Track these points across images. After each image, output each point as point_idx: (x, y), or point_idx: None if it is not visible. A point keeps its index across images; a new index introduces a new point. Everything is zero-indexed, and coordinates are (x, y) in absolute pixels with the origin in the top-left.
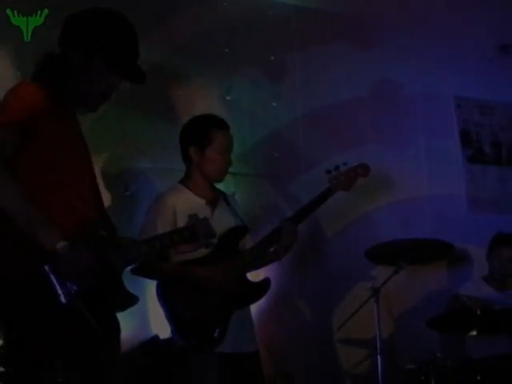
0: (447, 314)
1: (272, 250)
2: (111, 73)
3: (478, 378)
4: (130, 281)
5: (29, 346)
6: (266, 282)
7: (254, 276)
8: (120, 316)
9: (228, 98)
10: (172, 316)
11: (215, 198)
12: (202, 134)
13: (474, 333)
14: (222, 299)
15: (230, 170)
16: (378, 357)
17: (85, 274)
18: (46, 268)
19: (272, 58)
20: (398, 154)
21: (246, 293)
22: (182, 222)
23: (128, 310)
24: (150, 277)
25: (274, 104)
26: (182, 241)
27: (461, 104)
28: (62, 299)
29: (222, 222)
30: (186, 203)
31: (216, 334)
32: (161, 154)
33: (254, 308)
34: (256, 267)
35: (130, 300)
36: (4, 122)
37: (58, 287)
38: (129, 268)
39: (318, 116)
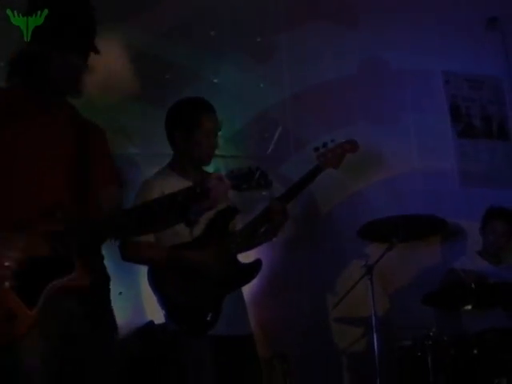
0: (442, 289)
1: (263, 230)
2: (68, 55)
3: (475, 352)
4: (124, 267)
5: None
6: (257, 263)
7: (245, 258)
8: (114, 302)
9: (215, 80)
10: (164, 301)
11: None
12: (187, 117)
13: (469, 307)
14: (213, 282)
15: (220, 152)
16: (374, 334)
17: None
18: None
19: (258, 39)
20: (388, 131)
21: (237, 275)
22: None
23: (123, 296)
24: (141, 262)
25: (261, 85)
26: (187, 200)
27: (449, 79)
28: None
29: None
30: (173, 186)
31: (209, 318)
32: (149, 139)
33: (248, 290)
34: (247, 248)
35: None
36: None
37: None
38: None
39: (306, 96)
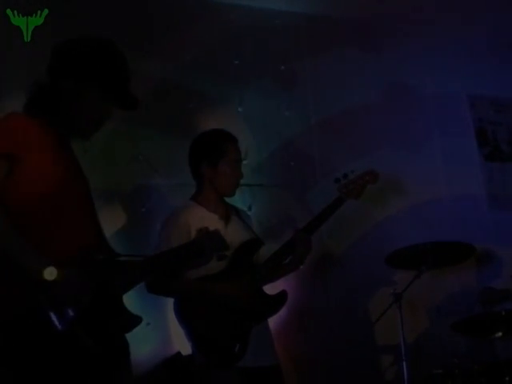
0: (472, 316)
1: (287, 261)
2: (104, 101)
3: (507, 379)
4: (152, 297)
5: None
6: (282, 295)
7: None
8: (142, 333)
9: (240, 109)
10: (191, 333)
11: (227, 213)
12: (212, 148)
13: (500, 334)
14: (240, 314)
15: (246, 181)
16: (404, 363)
17: (78, 298)
18: (39, 297)
19: (282, 67)
20: (414, 157)
21: (263, 307)
22: None
23: (150, 327)
24: (167, 294)
25: (286, 113)
26: (190, 255)
27: (475, 102)
28: (58, 326)
29: (235, 236)
30: (199, 219)
31: (236, 350)
32: (174, 169)
33: (276, 320)
34: (272, 279)
35: (131, 321)
36: None
37: (52, 314)
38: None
39: (331, 123)
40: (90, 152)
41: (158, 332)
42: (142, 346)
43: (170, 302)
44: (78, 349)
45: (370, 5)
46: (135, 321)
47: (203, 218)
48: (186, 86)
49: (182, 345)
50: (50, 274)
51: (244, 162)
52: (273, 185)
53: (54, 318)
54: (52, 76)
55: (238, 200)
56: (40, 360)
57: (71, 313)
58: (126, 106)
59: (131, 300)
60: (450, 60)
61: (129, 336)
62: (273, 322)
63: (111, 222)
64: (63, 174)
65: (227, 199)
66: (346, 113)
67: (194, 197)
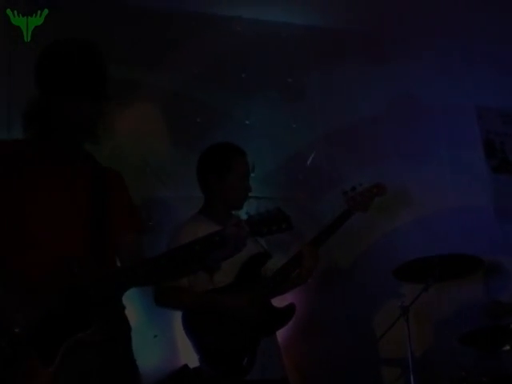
0: (479, 329)
1: (295, 274)
2: (74, 103)
3: None
4: (159, 310)
5: None
6: (290, 308)
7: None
8: (150, 345)
9: (247, 122)
10: (199, 346)
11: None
12: (221, 162)
13: (507, 347)
14: (248, 327)
15: (254, 194)
16: (411, 376)
17: (21, 322)
18: None
19: (289, 79)
20: (421, 169)
21: (271, 320)
22: None
23: (157, 339)
24: (175, 307)
25: (293, 125)
26: (208, 248)
27: (482, 114)
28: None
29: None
30: (206, 232)
31: (244, 363)
32: (182, 182)
33: (283, 332)
34: (280, 293)
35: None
36: None
37: None
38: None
39: (337, 135)
40: None
41: (165, 344)
42: (149, 358)
43: (177, 315)
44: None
45: (376, 17)
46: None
47: (210, 231)
48: (194, 98)
49: (190, 357)
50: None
51: (251, 175)
52: (280, 197)
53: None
54: (38, 90)
55: (244, 214)
56: None
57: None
58: (95, 99)
59: (138, 312)
60: (457, 71)
61: (136, 348)
62: (280, 334)
63: None
64: (40, 190)
65: (235, 212)
66: (353, 124)
67: (201, 210)
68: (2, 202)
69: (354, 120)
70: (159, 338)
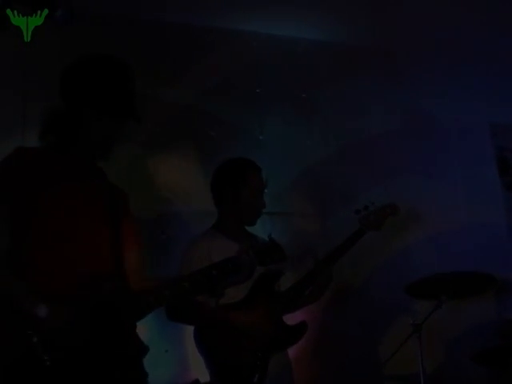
0: (491, 348)
1: (308, 292)
2: (105, 120)
3: None
4: (169, 324)
5: None
6: (302, 326)
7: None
8: (160, 360)
9: (261, 137)
10: (210, 361)
11: (248, 241)
12: (236, 176)
13: None
14: (259, 343)
15: (267, 209)
16: None
17: (71, 336)
18: (28, 333)
19: (303, 95)
20: (434, 185)
21: (283, 336)
22: None
23: (168, 354)
24: (187, 322)
25: (307, 141)
26: (224, 273)
27: (497, 131)
28: (46, 362)
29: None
30: (220, 247)
31: (255, 380)
32: (195, 196)
33: (295, 348)
34: (293, 310)
35: (138, 351)
36: None
37: (41, 351)
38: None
39: (351, 151)
40: (110, 178)
41: (176, 359)
42: (160, 372)
43: (188, 329)
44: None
45: (389, 32)
46: (141, 350)
47: (224, 246)
48: (208, 112)
49: (201, 372)
50: (42, 311)
51: (264, 191)
52: (292, 213)
53: (42, 354)
54: (63, 101)
55: (258, 228)
56: None
57: (61, 350)
58: (129, 120)
59: (149, 327)
60: (472, 88)
61: (147, 362)
62: (291, 349)
63: None
64: (67, 204)
65: (248, 228)
66: (367, 141)
67: (215, 225)
68: (30, 212)
69: (368, 136)
70: (170, 352)
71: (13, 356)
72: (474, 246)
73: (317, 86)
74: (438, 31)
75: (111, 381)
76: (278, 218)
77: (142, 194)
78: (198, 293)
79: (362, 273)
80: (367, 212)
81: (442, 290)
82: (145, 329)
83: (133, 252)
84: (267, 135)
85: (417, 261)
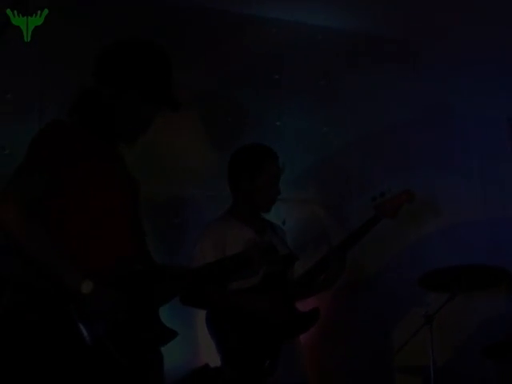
0: (501, 342)
1: (321, 278)
2: (144, 105)
3: None
4: (179, 308)
5: None
6: (315, 313)
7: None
8: (170, 344)
9: (278, 123)
10: (222, 345)
11: (263, 227)
12: (253, 163)
13: None
14: (271, 330)
15: (282, 196)
16: None
17: (112, 314)
18: (71, 309)
19: (322, 82)
20: (451, 178)
21: (295, 323)
22: (231, 252)
23: (178, 338)
24: (201, 306)
25: (324, 129)
26: (236, 266)
27: None
28: (88, 340)
29: None
30: (234, 232)
31: (266, 365)
32: (211, 181)
33: (305, 336)
34: (305, 296)
35: (166, 335)
36: (29, 167)
37: (82, 328)
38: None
39: (369, 140)
40: (128, 161)
41: (187, 343)
42: (170, 356)
43: (198, 313)
44: (105, 362)
45: (410, 23)
46: (170, 334)
47: (239, 232)
48: (225, 98)
49: (210, 357)
50: (87, 287)
51: (280, 178)
52: (308, 200)
53: (83, 330)
54: (96, 82)
55: (272, 214)
56: (65, 370)
57: (102, 327)
58: (167, 108)
59: (160, 310)
60: (490, 82)
61: None
62: (303, 336)
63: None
64: (101, 185)
65: (263, 215)
66: (384, 130)
67: (230, 210)
68: (69, 184)
69: (385, 126)
70: (180, 336)
71: (53, 332)
72: (489, 240)
73: (336, 74)
74: (461, 23)
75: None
76: (293, 205)
77: (156, 178)
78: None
79: (375, 263)
80: (383, 199)
81: (455, 283)
82: None
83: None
84: (285, 122)
85: (431, 253)
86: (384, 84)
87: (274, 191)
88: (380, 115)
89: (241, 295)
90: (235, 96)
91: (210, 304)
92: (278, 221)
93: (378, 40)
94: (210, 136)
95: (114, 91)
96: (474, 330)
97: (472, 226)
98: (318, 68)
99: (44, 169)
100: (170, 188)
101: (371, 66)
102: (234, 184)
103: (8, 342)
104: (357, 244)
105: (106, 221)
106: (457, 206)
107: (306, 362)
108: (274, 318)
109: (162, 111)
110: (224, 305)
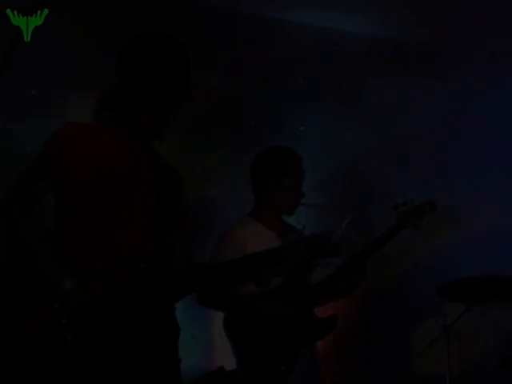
0: None
1: (340, 285)
2: (157, 100)
3: None
4: (197, 310)
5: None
6: (333, 320)
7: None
8: (186, 345)
9: (301, 128)
10: (238, 349)
11: (284, 230)
12: (279, 165)
13: None
14: (288, 335)
15: (302, 200)
16: None
17: (93, 311)
18: (55, 306)
19: (346, 88)
20: (472, 188)
21: (313, 329)
22: None
23: (195, 339)
24: (218, 308)
25: (347, 135)
26: (268, 262)
27: None
28: (68, 337)
29: None
30: (256, 235)
31: (282, 370)
32: (229, 182)
33: (323, 342)
34: (324, 302)
35: (168, 333)
36: (30, 167)
37: (65, 325)
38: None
39: (391, 148)
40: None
41: (202, 345)
42: (185, 358)
43: (215, 316)
44: (84, 361)
45: (436, 32)
46: (172, 331)
47: (260, 234)
48: (249, 101)
49: (226, 360)
50: (69, 284)
51: None
52: (329, 206)
53: (66, 328)
54: (117, 78)
55: (293, 219)
56: (45, 367)
57: (84, 326)
58: (182, 100)
59: (177, 312)
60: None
61: None
62: (319, 342)
63: None
64: (105, 186)
65: (285, 218)
66: (407, 139)
67: (252, 212)
68: (71, 186)
69: (409, 134)
70: (196, 338)
71: (35, 327)
72: (509, 251)
73: (360, 80)
74: (485, 34)
75: (134, 361)
76: (313, 210)
77: None
78: (237, 281)
79: (393, 271)
80: (405, 208)
81: (473, 293)
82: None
83: (179, 236)
84: (308, 126)
85: (450, 262)
86: (408, 91)
87: (298, 194)
88: (403, 123)
89: (259, 299)
90: (258, 99)
91: (227, 306)
92: (298, 225)
93: (403, 47)
94: (233, 138)
95: (127, 87)
96: (492, 341)
97: (492, 236)
98: (342, 73)
99: (44, 169)
100: (191, 189)
101: (396, 72)
102: (258, 185)
103: None
104: (377, 252)
105: (108, 220)
106: (476, 216)
107: (322, 369)
108: (292, 324)
109: (179, 103)
110: (241, 307)
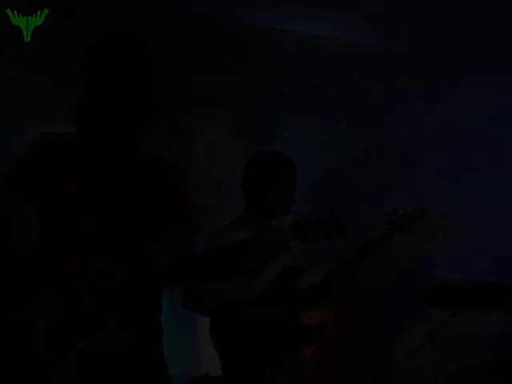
0: (503, 360)
1: (328, 292)
2: (106, 101)
3: None
4: (182, 316)
5: None
6: (319, 327)
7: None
8: (172, 351)
9: (287, 135)
10: (224, 355)
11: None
12: (273, 171)
13: None
14: (274, 341)
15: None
16: None
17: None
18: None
19: (333, 95)
20: (464, 193)
21: (299, 336)
22: None
23: (180, 346)
24: (202, 313)
25: (332, 142)
26: (242, 252)
27: None
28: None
29: (278, 261)
30: (240, 237)
31: (267, 378)
32: (214, 190)
33: (308, 350)
34: (311, 308)
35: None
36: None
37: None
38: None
39: (381, 155)
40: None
41: (188, 351)
42: (171, 364)
43: (202, 322)
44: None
45: (423, 39)
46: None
47: (245, 236)
48: (234, 108)
49: (211, 366)
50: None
51: None
52: (316, 213)
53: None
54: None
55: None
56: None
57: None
58: (136, 104)
59: (162, 316)
60: (504, 100)
61: None
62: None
63: None
64: (75, 200)
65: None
66: (397, 145)
67: (240, 217)
68: (43, 198)
69: (400, 141)
70: (182, 344)
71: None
72: (500, 258)
73: (345, 87)
74: (473, 40)
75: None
76: (300, 217)
77: None
78: (214, 273)
79: (380, 276)
80: (396, 215)
81: (459, 299)
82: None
83: (176, 236)
84: (294, 133)
85: (438, 268)
86: (396, 98)
87: (290, 202)
88: (388, 129)
89: (245, 305)
90: (243, 106)
91: (213, 312)
92: None
93: (390, 54)
94: (218, 144)
95: (91, 92)
96: (479, 348)
97: (482, 243)
98: (329, 81)
99: (15, 182)
100: None
101: (383, 79)
102: (252, 190)
103: None
104: (367, 259)
105: (76, 235)
106: (468, 222)
107: (307, 376)
108: (278, 330)
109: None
110: (226, 313)
